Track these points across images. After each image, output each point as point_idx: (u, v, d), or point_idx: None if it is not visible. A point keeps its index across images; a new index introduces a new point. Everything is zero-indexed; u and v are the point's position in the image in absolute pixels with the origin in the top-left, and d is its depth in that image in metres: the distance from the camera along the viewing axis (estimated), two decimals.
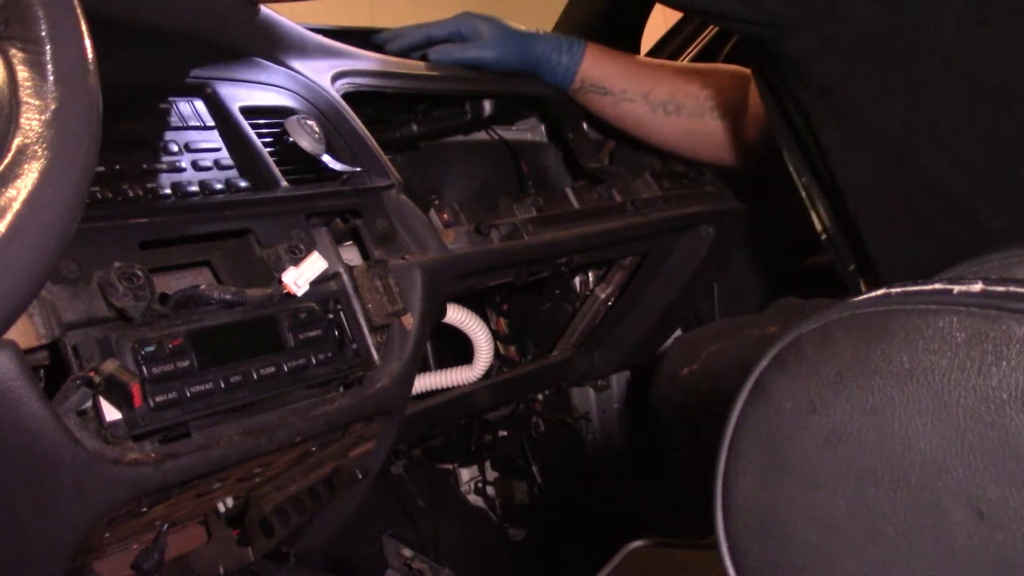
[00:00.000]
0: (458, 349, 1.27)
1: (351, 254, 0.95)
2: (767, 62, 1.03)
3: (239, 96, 0.90)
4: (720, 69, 1.34)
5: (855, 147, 0.97)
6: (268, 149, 0.88)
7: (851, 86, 0.95)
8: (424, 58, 1.22)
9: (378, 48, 1.22)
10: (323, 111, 0.97)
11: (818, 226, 1.10)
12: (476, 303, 1.40)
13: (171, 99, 0.86)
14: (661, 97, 1.29)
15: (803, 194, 1.09)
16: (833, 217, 1.08)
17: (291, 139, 0.87)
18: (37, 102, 0.52)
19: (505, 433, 1.54)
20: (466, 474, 1.57)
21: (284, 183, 0.86)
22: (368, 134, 0.99)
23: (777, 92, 1.05)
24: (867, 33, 0.91)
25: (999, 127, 0.89)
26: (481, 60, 1.22)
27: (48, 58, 0.53)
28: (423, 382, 1.22)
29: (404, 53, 1.22)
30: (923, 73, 0.90)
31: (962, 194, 0.92)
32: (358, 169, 0.94)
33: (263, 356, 0.78)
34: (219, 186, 0.81)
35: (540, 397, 1.57)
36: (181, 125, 0.84)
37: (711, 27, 1.60)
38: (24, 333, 0.64)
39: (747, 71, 1.23)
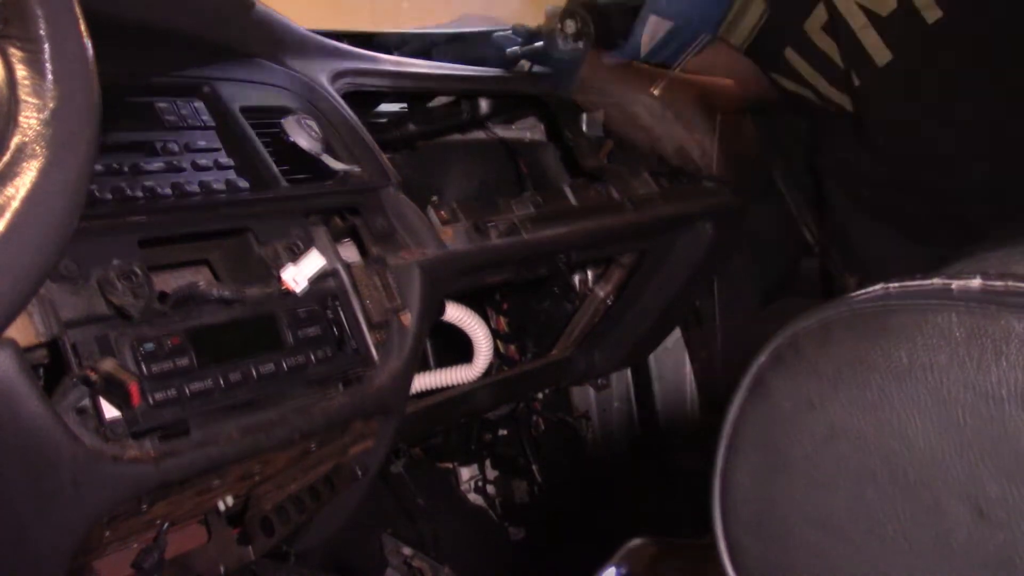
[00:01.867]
0: (458, 348, 1.27)
1: (350, 252, 0.95)
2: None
3: (239, 96, 0.90)
4: (719, 83, 1.35)
5: (843, 145, 0.97)
6: (267, 148, 0.88)
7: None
8: (428, 57, 1.22)
9: (379, 48, 1.22)
10: (322, 111, 0.97)
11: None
12: (476, 302, 1.40)
13: (171, 99, 0.86)
14: (659, 104, 1.30)
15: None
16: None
17: (290, 138, 0.87)
18: (36, 101, 0.52)
19: (505, 432, 1.54)
20: (466, 473, 1.57)
21: (283, 182, 0.86)
22: (367, 133, 0.99)
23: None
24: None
25: (986, 119, 0.89)
26: None
27: (47, 57, 0.53)
28: (423, 381, 1.22)
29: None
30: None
31: (951, 188, 0.92)
32: (357, 168, 0.94)
33: (262, 354, 0.78)
34: (218, 185, 0.81)
35: (540, 396, 1.57)
36: (181, 125, 0.84)
37: None
38: (23, 331, 0.64)
39: (743, 86, 1.24)
